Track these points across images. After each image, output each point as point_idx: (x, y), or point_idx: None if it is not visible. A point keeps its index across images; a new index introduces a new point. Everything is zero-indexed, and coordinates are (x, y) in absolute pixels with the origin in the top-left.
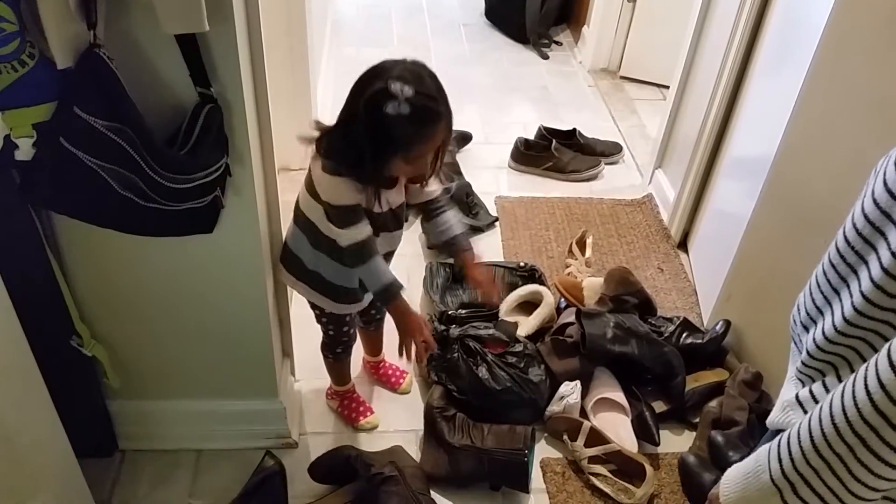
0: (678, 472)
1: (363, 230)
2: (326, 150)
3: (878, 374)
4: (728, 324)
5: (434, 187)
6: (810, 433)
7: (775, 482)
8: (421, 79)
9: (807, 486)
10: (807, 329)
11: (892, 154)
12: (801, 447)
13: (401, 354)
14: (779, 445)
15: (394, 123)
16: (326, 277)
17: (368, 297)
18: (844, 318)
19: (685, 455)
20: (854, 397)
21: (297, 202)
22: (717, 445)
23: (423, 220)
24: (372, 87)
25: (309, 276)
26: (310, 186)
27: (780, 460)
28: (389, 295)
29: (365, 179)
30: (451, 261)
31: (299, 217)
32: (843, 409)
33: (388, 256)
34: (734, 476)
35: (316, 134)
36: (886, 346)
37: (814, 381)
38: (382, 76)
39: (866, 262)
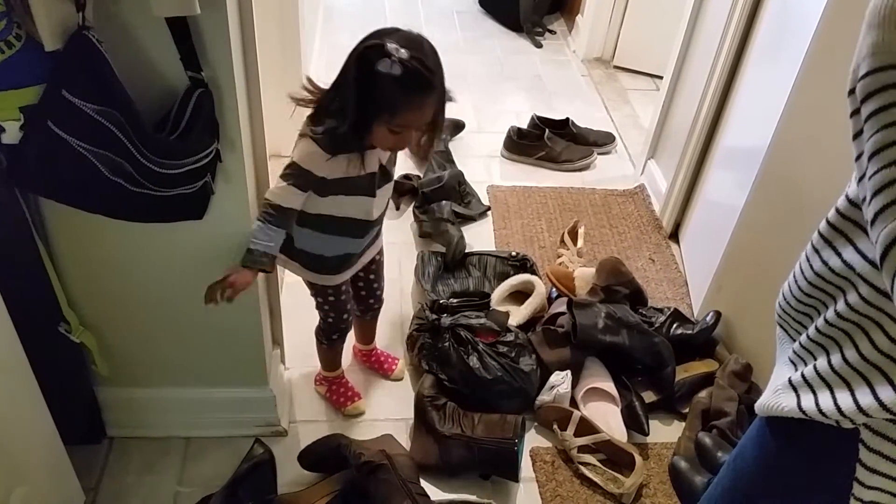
0: (669, 477)
1: (291, 198)
2: (314, 114)
3: None
4: (718, 315)
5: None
6: None
7: None
8: (420, 46)
9: None
10: (796, 315)
11: None
12: None
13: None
14: None
15: (382, 83)
16: (311, 251)
17: (351, 270)
18: (847, 304)
19: (676, 460)
20: None
21: None
22: (706, 448)
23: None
24: (367, 44)
25: (298, 254)
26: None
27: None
28: (251, 252)
29: (340, 143)
30: (442, 250)
31: None
32: None
33: (362, 226)
34: None
35: (306, 95)
36: None
37: (806, 364)
38: (381, 36)
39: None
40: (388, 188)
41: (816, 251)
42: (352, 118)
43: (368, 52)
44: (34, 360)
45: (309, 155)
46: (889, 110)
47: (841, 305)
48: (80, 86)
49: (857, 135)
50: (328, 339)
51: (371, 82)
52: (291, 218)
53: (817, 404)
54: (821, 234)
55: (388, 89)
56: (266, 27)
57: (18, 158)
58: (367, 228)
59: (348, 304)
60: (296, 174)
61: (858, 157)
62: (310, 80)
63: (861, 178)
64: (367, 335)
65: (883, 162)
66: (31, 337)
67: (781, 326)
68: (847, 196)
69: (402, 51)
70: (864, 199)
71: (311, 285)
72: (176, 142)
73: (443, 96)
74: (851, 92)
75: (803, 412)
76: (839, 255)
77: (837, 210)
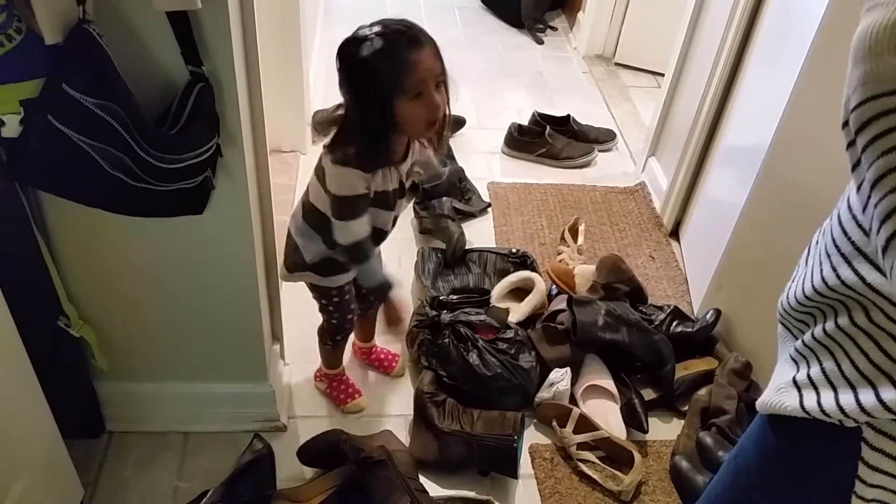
0: (671, 477)
1: (363, 227)
2: (333, 140)
3: None
4: (718, 313)
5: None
6: None
7: None
8: (389, 19)
9: None
10: (800, 316)
11: None
12: None
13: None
14: None
15: (374, 63)
16: (326, 256)
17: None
18: (866, 315)
19: (677, 460)
20: None
21: (306, 194)
22: (707, 447)
23: (417, 205)
24: (341, 50)
25: (314, 265)
26: (318, 173)
27: None
28: (383, 293)
29: (374, 158)
30: (442, 246)
31: (307, 210)
32: None
33: (379, 234)
34: None
35: (330, 128)
36: None
37: (809, 363)
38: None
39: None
40: (403, 202)
41: (828, 256)
42: (374, 118)
43: (347, 51)
44: (33, 355)
45: (349, 177)
46: (887, 136)
47: (858, 315)
48: (81, 79)
49: (855, 165)
50: (332, 340)
51: (366, 73)
52: (370, 242)
53: (819, 404)
54: (834, 242)
55: (385, 63)
56: (267, 22)
57: (18, 152)
58: (381, 238)
59: (352, 304)
60: (354, 203)
61: (859, 188)
62: (314, 117)
63: (865, 207)
64: (367, 332)
65: (886, 188)
66: (31, 331)
67: (783, 325)
68: (849, 205)
69: (374, 27)
70: (870, 229)
71: (314, 288)
72: (176, 136)
73: (435, 46)
74: (845, 124)
75: (806, 412)
76: (851, 266)
77: (842, 225)
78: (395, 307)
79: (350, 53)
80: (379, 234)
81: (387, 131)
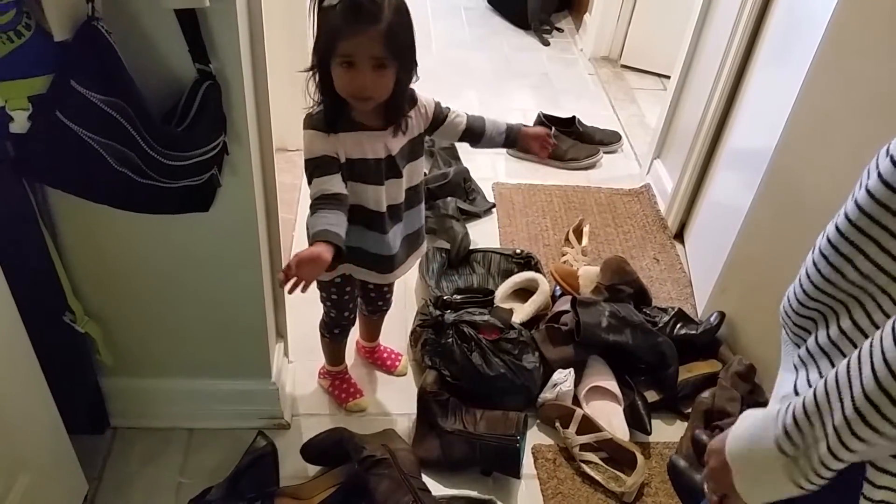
0: (668, 476)
1: (331, 184)
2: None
3: (883, 353)
4: (722, 315)
5: (459, 118)
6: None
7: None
8: None
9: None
10: (800, 321)
11: (884, 149)
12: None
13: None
14: (788, 411)
15: (328, 16)
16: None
17: (393, 275)
18: (866, 314)
19: (675, 459)
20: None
21: None
22: (704, 444)
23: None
24: None
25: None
26: None
27: (786, 429)
28: (310, 241)
29: (333, 118)
30: (447, 246)
31: None
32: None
33: (377, 218)
34: (741, 435)
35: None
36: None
37: (809, 371)
38: None
39: (863, 252)
40: (397, 183)
41: (824, 256)
42: (317, 70)
43: (318, 2)
44: (39, 350)
45: (311, 139)
46: None
47: (859, 315)
48: (89, 76)
49: None
50: (330, 333)
51: (321, 26)
52: (343, 202)
53: None
54: (830, 241)
55: (332, 20)
56: (274, 21)
57: (26, 148)
58: (381, 222)
59: (351, 304)
60: (313, 164)
61: None
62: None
63: None
64: (371, 332)
65: None
66: (37, 326)
67: (786, 330)
68: (857, 202)
69: None
70: None
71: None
72: (183, 133)
73: (397, 39)
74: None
75: None
76: (853, 264)
77: (848, 218)
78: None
79: (319, 3)
80: (375, 218)
81: (335, 92)
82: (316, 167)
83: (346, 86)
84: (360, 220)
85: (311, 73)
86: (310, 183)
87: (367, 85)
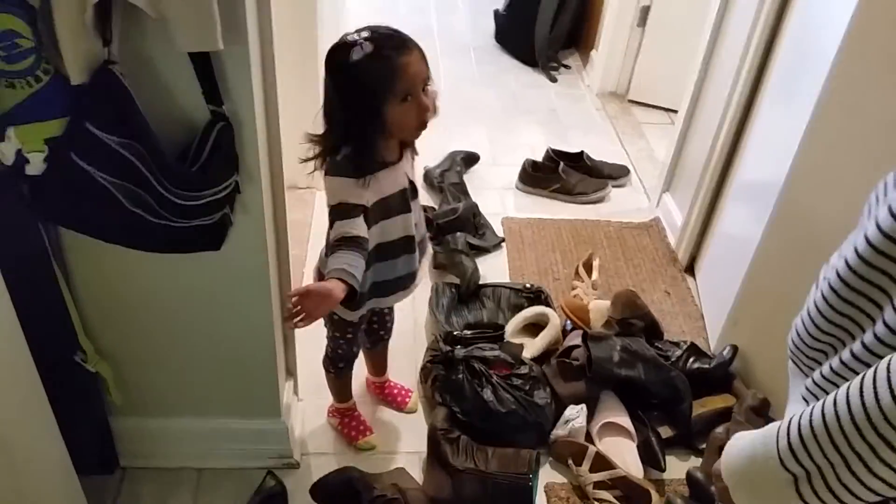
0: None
1: (353, 226)
2: (321, 156)
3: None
4: (735, 349)
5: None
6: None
7: (787, 468)
8: (375, 24)
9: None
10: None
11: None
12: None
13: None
14: (790, 431)
15: (365, 67)
16: (375, 279)
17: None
18: (864, 345)
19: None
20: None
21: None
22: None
23: (431, 240)
24: (329, 57)
25: (363, 295)
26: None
27: (792, 448)
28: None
29: (362, 164)
30: (456, 281)
31: (327, 245)
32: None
33: (409, 240)
34: (737, 455)
35: (315, 149)
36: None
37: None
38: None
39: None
40: (416, 203)
41: (834, 291)
42: (363, 123)
43: (337, 56)
44: (49, 389)
45: (340, 186)
46: None
47: (869, 338)
48: (104, 119)
49: None
50: (335, 367)
51: (355, 78)
52: (362, 245)
53: None
54: (840, 277)
55: (375, 67)
56: (285, 61)
57: (42, 189)
58: (411, 243)
59: (359, 336)
60: (340, 211)
61: None
62: (308, 134)
63: None
64: (378, 367)
65: None
66: (47, 365)
67: (794, 362)
68: (867, 238)
69: (362, 32)
70: None
71: (331, 321)
72: (196, 174)
73: (421, 50)
74: None
75: None
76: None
77: (858, 254)
78: None
79: (339, 58)
80: (408, 241)
81: (375, 135)
82: (340, 212)
83: (414, 119)
84: (392, 254)
85: (341, 124)
86: (331, 226)
87: (428, 107)
